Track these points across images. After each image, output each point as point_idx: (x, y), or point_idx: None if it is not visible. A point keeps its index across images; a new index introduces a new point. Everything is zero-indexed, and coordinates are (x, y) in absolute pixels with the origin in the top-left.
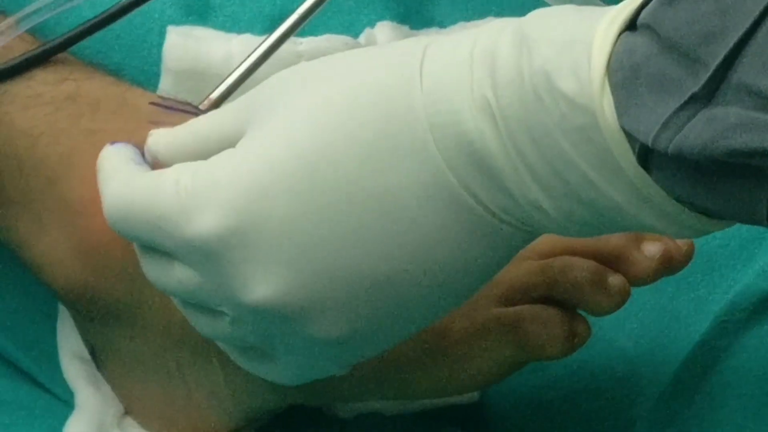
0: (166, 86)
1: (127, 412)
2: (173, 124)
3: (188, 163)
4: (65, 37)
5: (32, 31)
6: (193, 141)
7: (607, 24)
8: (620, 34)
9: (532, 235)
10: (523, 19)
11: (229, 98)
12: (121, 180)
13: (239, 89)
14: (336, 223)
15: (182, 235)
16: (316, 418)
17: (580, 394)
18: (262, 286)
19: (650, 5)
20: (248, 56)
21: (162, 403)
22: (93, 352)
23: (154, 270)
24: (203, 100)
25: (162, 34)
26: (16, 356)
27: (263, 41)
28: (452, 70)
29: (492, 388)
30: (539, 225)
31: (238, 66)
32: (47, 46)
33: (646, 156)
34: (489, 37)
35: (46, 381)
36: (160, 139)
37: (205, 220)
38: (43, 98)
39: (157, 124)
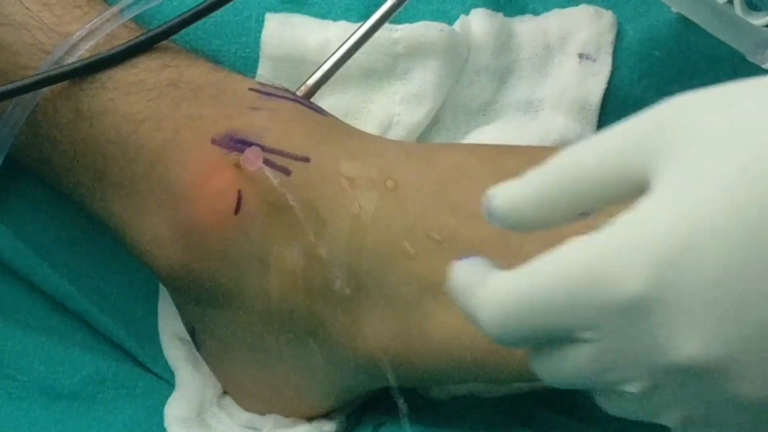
0: (264, 72)
1: (225, 391)
2: (273, 109)
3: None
4: (168, 24)
5: (135, 19)
6: (567, 189)
7: None
8: None
9: None
10: None
11: (325, 84)
12: (495, 287)
13: (335, 75)
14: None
15: (600, 302)
16: (411, 400)
17: None
18: (689, 342)
19: None
20: (344, 43)
21: (260, 384)
22: (193, 333)
23: (545, 365)
24: (300, 86)
25: (260, 22)
26: (119, 336)
27: (358, 28)
28: None
29: None
30: None
31: (334, 52)
32: (150, 34)
33: None
34: None
35: (147, 361)
36: (503, 195)
37: (630, 282)
38: (145, 84)
39: (257, 109)
